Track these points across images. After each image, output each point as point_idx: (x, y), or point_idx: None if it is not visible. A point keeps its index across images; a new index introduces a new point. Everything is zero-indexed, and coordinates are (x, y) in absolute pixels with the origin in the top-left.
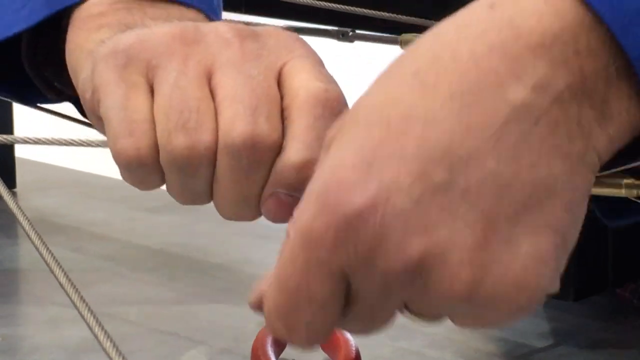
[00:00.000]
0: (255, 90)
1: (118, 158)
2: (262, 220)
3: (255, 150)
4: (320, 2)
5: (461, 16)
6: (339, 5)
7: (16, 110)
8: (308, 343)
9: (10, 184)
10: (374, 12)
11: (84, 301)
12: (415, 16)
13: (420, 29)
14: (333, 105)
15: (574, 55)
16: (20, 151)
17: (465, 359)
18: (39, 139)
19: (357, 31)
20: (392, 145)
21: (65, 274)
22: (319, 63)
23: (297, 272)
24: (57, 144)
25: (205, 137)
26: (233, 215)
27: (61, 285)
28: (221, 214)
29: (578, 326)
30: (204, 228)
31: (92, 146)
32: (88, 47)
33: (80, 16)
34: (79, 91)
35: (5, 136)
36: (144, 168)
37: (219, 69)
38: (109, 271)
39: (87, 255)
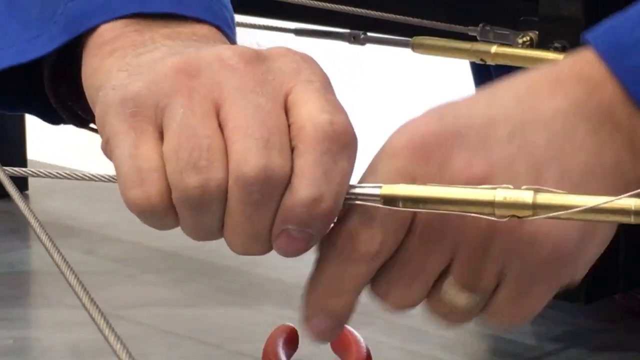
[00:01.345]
0: (265, 122)
1: (130, 207)
2: None
3: (267, 184)
4: (332, 5)
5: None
6: (351, 8)
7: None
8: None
9: (22, 186)
10: (386, 14)
11: (94, 303)
12: (427, 19)
13: (433, 34)
14: (340, 138)
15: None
16: (32, 154)
17: None
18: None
19: (369, 34)
20: (462, 106)
21: (76, 276)
22: (326, 88)
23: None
24: (73, 178)
25: (216, 175)
26: (244, 250)
27: (72, 287)
28: (232, 249)
29: (588, 329)
30: None
31: (105, 181)
32: (101, 74)
33: (94, 43)
34: (98, 127)
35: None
36: (157, 214)
37: (226, 99)
38: (120, 273)
39: (98, 257)
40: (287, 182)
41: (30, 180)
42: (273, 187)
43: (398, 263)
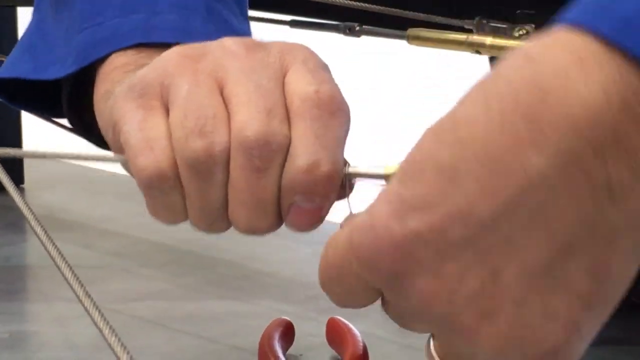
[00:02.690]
0: (266, 97)
1: (140, 175)
2: None
3: (268, 148)
4: None
5: (504, 63)
6: (347, 1)
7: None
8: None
9: (18, 180)
10: (382, 7)
11: (90, 297)
12: (423, 12)
13: (429, 25)
14: (327, 105)
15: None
16: (28, 147)
17: None
18: (50, 153)
19: (364, 26)
20: (420, 196)
21: (71, 270)
22: (318, 65)
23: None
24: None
25: (220, 139)
26: (248, 223)
27: (67, 281)
28: (236, 226)
29: None
30: None
31: (107, 161)
32: (110, 85)
33: (105, 69)
34: (103, 132)
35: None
36: (165, 183)
37: (230, 78)
38: (117, 267)
39: (95, 251)
40: (286, 149)
41: (27, 174)
42: (273, 152)
43: None
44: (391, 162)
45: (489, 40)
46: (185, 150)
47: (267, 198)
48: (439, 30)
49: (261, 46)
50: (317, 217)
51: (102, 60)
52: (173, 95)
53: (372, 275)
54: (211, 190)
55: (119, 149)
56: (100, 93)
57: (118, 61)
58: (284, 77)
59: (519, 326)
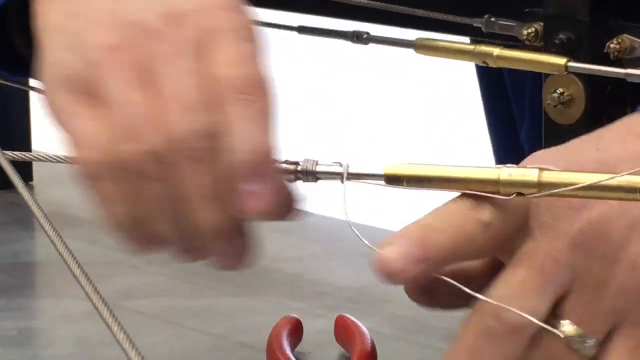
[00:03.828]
0: (191, 85)
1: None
2: None
3: (200, 141)
4: None
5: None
6: (360, 0)
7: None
8: None
9: (28, 177)
10: (390, 6)
11: (98, 294)
12: (432, 11)
13: (438, 26)
14: (251, 87)
15: None
16: (37, 145)
17: None
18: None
19: (372, 34)
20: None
21: (80, 266)
22: (242, 37)
23: None
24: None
25: (150, 140)
26: (210, 222)
27: (76, 278)
28: (201, 229)
29: None
30: None
31: None
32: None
33: None
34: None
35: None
36: (100, 177)
37: (156, 66)
38: (126, 264)
39: (103, 248)
40: (219, 135)
41: (36, 171)
42: (204, 143)
43: None
44: (390, 162)
45: (496, 51)
46: (115, 153)
47: (213, 189)
48: (447, 41)
49: (180, 15)
50: (270, 200)
51: None
52: (102, 92)
53: None
54: (150, 189)
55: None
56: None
57: None
58: (207, 52)
59: None
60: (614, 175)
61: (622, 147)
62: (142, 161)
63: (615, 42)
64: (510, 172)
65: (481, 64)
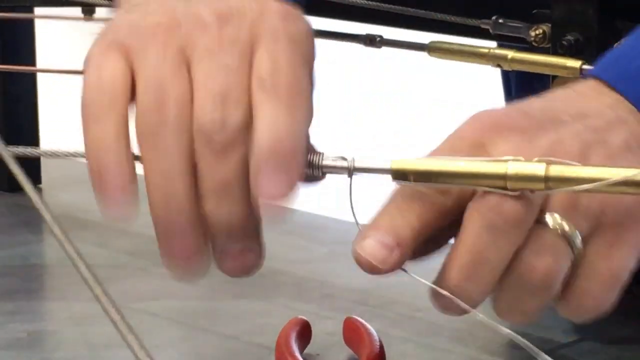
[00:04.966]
0: (226, 80)
1: (84, 103)
2: None
3: (224, 131)
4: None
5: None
6: (365, 1)
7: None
8: None
9: (36, 179)
10: (399, 7)
11: (108, 296)
12: (440, 12)
13: (445, 28)
14: (286, 89)
15: None
16: (46, 147)
17: (490, 355)
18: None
19: (385, 37)
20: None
21: (88, 269)
22: (291, 42)
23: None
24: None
25: (170, 120)
26: (222, 212)
27: (85, 280)
28: (213, 213)
29: (602, 322)
30: None
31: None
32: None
33: None
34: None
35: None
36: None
37: (195, 56)
38: (134, 266)
39: (112, 250)
40: (245, 132)
41: (44, 174)
42: (230, 134)
43: None
44: (397, 157)
45: (510, 54)
46: (141, 123)
47: (232, 181)
48: (460, 43)
49: (234, 15)
50: (286, 190)
51: None
52: (139, 63)
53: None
54: (167, 161)
55: None
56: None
57: None
58: (252, 53)
59: None
60: (630, 170)
61: (565, 102)
62: (160, 136)
63: None
64: (517, 166)
65: (495, 67)
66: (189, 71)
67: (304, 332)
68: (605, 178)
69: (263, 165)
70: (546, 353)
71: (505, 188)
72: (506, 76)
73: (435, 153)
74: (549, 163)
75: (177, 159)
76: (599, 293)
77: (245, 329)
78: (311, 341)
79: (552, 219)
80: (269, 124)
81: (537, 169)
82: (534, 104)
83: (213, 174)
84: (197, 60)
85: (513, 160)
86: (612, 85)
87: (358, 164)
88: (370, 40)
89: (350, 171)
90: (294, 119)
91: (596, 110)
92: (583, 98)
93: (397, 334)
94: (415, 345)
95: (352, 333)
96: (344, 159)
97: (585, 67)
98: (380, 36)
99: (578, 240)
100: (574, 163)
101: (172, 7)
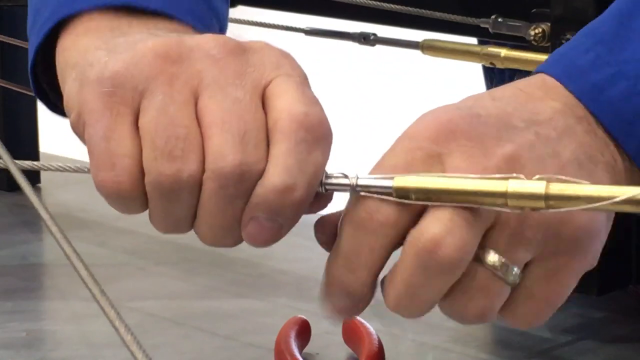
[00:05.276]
0: (242, 116)
1: (99, 189)
2: None
3: (243, 178)
4: None
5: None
6: (363, 0)
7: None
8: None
9: (35, 179)
10: (398, 7)
11: (105, 295)
12: (439, 11)
13: (444, 27)
14: (315, 130)
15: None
16: (44, 147)
17: (488, 354)
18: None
19: (379, 35)
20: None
21: (87, 268)
22: (304, 82)
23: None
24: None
25: (190, 166)
26: (213, 240)
27: (83, 279)
28: (202, 240)
29: (601, 321)
30: None
31: None
32: (75, 52)
33: (70, 24)
34: (64, 103)
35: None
36: (124, 199)
37: (205, 90)
38: (133, 266)
39: (110, 249)
40: (261, 175)
41: (43, 173)
42: (248, 181)
43: None
44: (399, 175)
45: (503, 52)
46: (153, 172)
47: (236, 219)
48: (453, 42)
49: (242, 50)
50: (275, 236)
51: (74, 17)
52: (146, 104)
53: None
54: (176, 210)
55: (81, 138)
56: (63, 45)
57: (84, 16)
58: (264, 88)
59: None
60: (631, 189)
61: (516, 104)
62: (179, 185)
63: None
64: (517, 184)
65: (488, 65)
66: (196, 105)
67: (304, 332)
68: (605, 196)
69: (263, 210)
70: (546, 352)
71: (506, 206)
72: (490, 78)
73: (388, 160)
74: (549, 181)
75: (187, 207)
76: (533, 317)
77: (245, 329)
78: (311, 340)
79: (489, 257)
80: (284, 168)
81: (537, 187)
82: (485, 104)
83: (219, 213)
84: (207, 95)
85: (514, 178)
86: (559, 80)
87: (361, 181)
88: (364, 38)
89: (353, 188)
90: (312, 168)
91: (546, 116)
92: (532, 99)
93: (396, 333)
94: (414, 345)
95: (352, 332)
96: (346, 176)
97: None
98: (374, 34)
99: (514, 276)
100: (574, 180)
101: (168, 36)
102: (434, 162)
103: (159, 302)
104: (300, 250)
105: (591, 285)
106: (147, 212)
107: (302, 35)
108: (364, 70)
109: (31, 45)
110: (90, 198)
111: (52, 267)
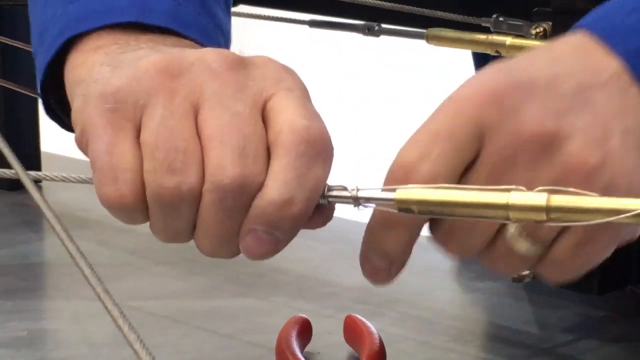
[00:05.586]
0: (242, 130)
1: (102, 202)
2: None
3: (242, 191)
4: None
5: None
6: (370, 0)
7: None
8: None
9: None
10: (399, 5)
11: (108, 295)
12: (440, 10)
13: (446, 25)
14: (316, 144)
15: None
16: (46, 146)
17: (489, 353)
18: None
19: (383, 26)
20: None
21: (90, 267)
22: (305, 97)
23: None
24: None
25: (190, 179)
26: (212, 252)
27: (86, 278)
28: (201, 251)
29: (601, 320)
30: None
31: None
32: (83, 69)
33: (78, 43)
34: (72, 119)
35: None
36: (127, 212)
37: (206, 103)
38: (134, 265)
39: (112, 249)
40: (260, 188)
41: (44, 171)
42: (247, 194)
43: None
44: (401, 187)
45: (508, 40)
46: (153, 185)
47: (235, 231)
48: (459, 30)
49: (243, 64)
50: (273, 249)
51: (83, 35)
52: (146, 118)
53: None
54: (176, 222)
55: (85, 151)
56: (72, 63)
57: (92, 34)
58: (264, 102)
59: None
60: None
61: (575, 60)
62: (180, 197)
63: None
64: (518, 196)
65: (493, 54)
66: (196, 118)
67: (305, 331)
68: (606, 209)
69: (261, 223)
70: (546, 351)
71: (507, 218)
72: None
73: (431, 125)
74: (552, 192)
75: (186, 219)
76: (566, 276)
77: (246, 328)
78: (312, 339)
79: (511, 230)
80: (284, 182)
81: (538, 199)
82: (540, 64)
83: (218, 225)
84: (207, 108)
85: (515, 190)
86: (603, 39)
87: (362, 193)
88: (369, 29)
89: (355, 200)
90: (312, 182)
91: (602, 79)
92: (590, 57)
93: (397, 332)
94: (415, 343)
95: (353, 331)
96: (345, 188)
97: None
98: (379, 24)
99: (532, 255)
100: (579, 192)
101: (169, 52)
102: (476, 131)
103: (160, 302)
104: (300, 250)
105: (591, 284)
106: None
107: (305, 27)
108: (367, 61)
109: (39, 64)
110: (91, 197)
111: (53, 266)
